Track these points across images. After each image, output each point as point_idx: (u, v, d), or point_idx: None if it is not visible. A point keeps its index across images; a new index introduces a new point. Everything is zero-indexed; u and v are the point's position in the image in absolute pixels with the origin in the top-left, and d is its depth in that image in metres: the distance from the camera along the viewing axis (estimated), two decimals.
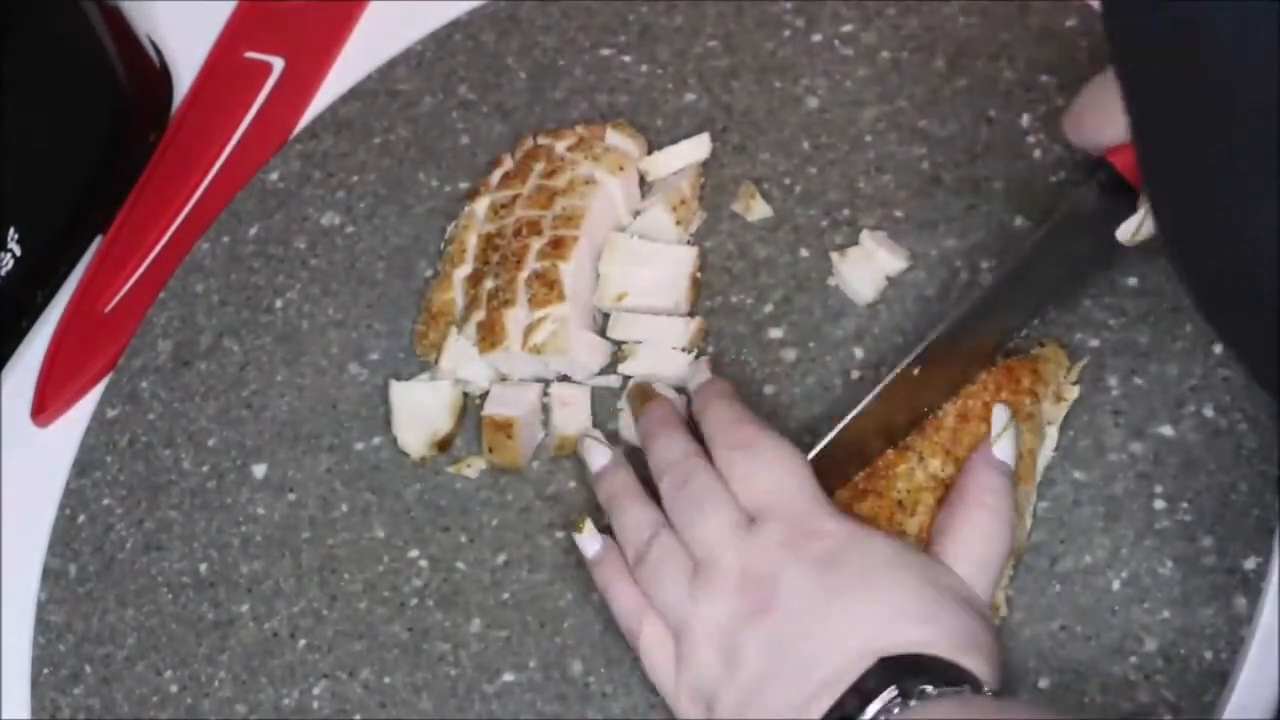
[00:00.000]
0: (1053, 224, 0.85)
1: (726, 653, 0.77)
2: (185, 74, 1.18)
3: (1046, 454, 0.85)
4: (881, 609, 0.75)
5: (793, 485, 0.80)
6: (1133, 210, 0.83)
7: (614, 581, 0.83)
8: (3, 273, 1.03)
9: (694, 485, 0.82)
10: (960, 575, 0.78)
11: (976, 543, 0.79)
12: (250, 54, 1.17)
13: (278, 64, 1.16)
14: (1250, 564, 0.80)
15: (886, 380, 0.84)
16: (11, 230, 1.03)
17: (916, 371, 0.84)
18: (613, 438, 0.93)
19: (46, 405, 1.05)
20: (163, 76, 1.17)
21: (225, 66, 1.18)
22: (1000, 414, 0.83)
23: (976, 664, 0.74)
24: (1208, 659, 0.79)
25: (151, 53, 1.17)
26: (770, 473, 0.81)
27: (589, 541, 0.86)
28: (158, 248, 1.10)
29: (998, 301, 0.86)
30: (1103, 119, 0.82)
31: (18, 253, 1.03)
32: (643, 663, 0.81)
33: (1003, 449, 0.82)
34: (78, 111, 1.09)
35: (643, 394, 0.92)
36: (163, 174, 1.13)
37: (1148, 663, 0.79)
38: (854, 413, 0.84)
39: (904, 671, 0.72)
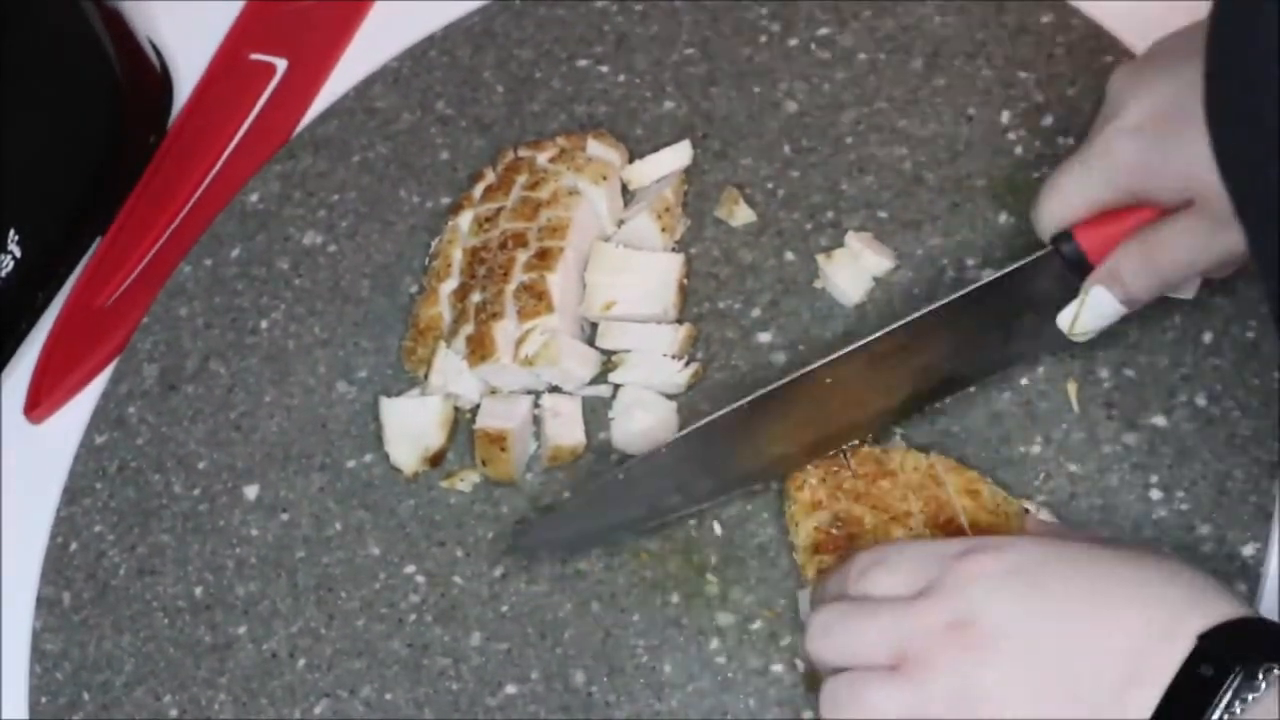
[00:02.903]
0: (1009, 271, 0.85)
1: (970, 705, 0.70)
2: (186, 76, 1.18)
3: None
4: (1140, 585, 0.70)
5: (932, 546, 0.75)
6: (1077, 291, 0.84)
7: None
8: (2, 274, 1.03)
9: (839, 615, 0.75)
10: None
11: None
12: (254, 55, 1.17)
13: (281, 65, 1.16)
14: (1249, 550, 0.81)
15: (855, 346, 0.86)
16: (11, 232, 1.03)
17: (867, 356, 0.86)
18: (605, 447, 0.93)
19: (40, 401, 1.05)
20: (163, 79, 1.18)
21: (229, 67, 1.18)
22: (1022, 505, 0.84)
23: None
24: None
25: (152, 55, 1.17)
26: (908, 557, 0.75)
27: None
28: (157, 246, 1.10)
29: (943, 321, 0.85)
30: (1058, 202, 0.83)
31: (18, 254, 1.03)
32: None
33: (1047, 515, 0.83)
34: (78, 114, 1.09)
35: None
36: (164, 175, 1.13)
37: None
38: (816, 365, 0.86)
39: (1237, 646, 0.67)
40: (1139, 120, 0.80)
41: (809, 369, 0.85)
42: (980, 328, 0.87)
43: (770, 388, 0.86)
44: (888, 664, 0.73)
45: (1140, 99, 0.80)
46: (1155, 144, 0.79)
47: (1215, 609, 0.68)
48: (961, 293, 0.85)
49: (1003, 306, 0.86)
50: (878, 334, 0.85)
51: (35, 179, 1.05)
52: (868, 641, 0.74)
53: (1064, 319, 0.84)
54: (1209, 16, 0.59)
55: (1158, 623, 0.68)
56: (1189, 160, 0.76)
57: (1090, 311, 0.83)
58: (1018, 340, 0.87)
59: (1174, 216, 0.80)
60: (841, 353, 0.85)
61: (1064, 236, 0.83)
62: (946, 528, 0.82)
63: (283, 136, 1.12)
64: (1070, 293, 0.84)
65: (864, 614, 0.74)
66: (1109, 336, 0.87)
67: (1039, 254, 0.85)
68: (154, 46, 1.18)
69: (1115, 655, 0.68)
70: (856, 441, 0.87)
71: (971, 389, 0.88)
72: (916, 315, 0.85)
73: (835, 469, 0.86)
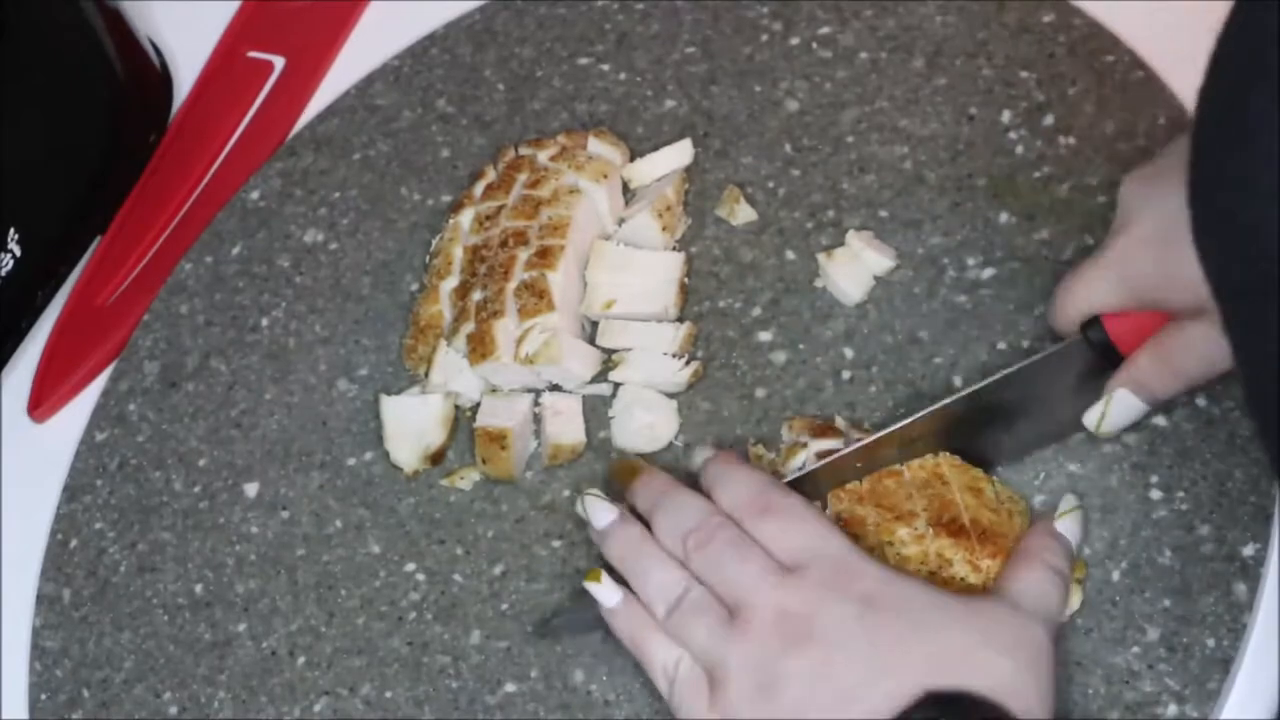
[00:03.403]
0: (1033, 362, 0.85)
1: (763, 685, 0.76)
2: (186, 75, 1.19)
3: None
4: (928, 648, 0.75)
5: (826, 537, 0.80)
6: (1111, 367, 0.83)
7: (643, 632, 0.82)
8: (2, 273, 1.03)
9: (721, 539, 0.81)
10: (1017, 619, 0.77)
11: (1037, 593, 0.79)
12: (252, 53, 1.18)
13: (279, 63, 1.17)
14: (1249, 550, 0.81)
15: (883, 433, 0.84)
16: (11, 231, 1.03)
17: (896, 441, 0.85)
18: (605, 446, 0.93)
19: (43, 400, 1.05)
20: (163, 78, 1.18)
21: (227, 66, 1.18)
22: (1067, 500, 0.83)
23: (1022, 708, 0.73)
24: (1210, 646, 0.79)
25: (152, 54, 1.17)
26: (801, 530, 0.80)
27: (608, 593, 0.83)
28: (157, 245, 1.10)
29: (961, 413, 0.85)
30: (1074, 304, 0.84)
31: (18, 253, 1.03)
32: (676, 706, 0.80)
33: (1066, 525, 0.82)
34: (78, 112, 1.09)
35: (628, 470, 0.90)
36: (164, 172, 1.13)
37: (1150, 652, 0.79)
38: (838, 455, 0.85)
39: (951, 709, 0.73)
40: (1151, 231, 0.80)
41: (840, 454, 0.84)
42: (1005, 414, 0.86)
43: (801, 473, 0.85)
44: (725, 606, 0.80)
45: (1152, 209, 0.81)
46: (1167, 256, 0.79)
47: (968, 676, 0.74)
48: (988, 380, 0.84)
49: (1026, 393, 0.85)
50: (908, 420, 0.84)
51: (35, 178, 1.05)
52: (732, 578, 0.80)
53: (1090, 419, 0.84)
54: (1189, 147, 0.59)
55: (927, 678, 0.74)
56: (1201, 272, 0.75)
57: (1115, 412, 0.83)
58: (1041, 425, 0.86)
59: (1192, 322, 0.80)
60: (871, 439, 0.84)
61: (1093, 323, 0.83)
62: (950, 526, 0.82)
63: (281, 134, 1.12)
64: (1091, 377, 0.84)
65: (740, 557, 0.80)
66: None
67: (1064, 343, 0.84)
68: (154, 46, 1.18)
69: (881, 690, 0.75)
70: (861, 438, 0.87)
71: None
72: (947, 401, 0.84)
73: (839, 467, 0.86)
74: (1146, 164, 0.85)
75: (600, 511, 0.86)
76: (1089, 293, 0.83)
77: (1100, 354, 0.83)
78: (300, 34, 1.17)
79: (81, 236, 1.11)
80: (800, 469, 0.86)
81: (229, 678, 0.91)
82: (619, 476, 0.90)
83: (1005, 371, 0.85)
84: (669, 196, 0.98)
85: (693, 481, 0.86)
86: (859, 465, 0.85)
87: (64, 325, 1.08)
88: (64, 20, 1.06)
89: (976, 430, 0.85)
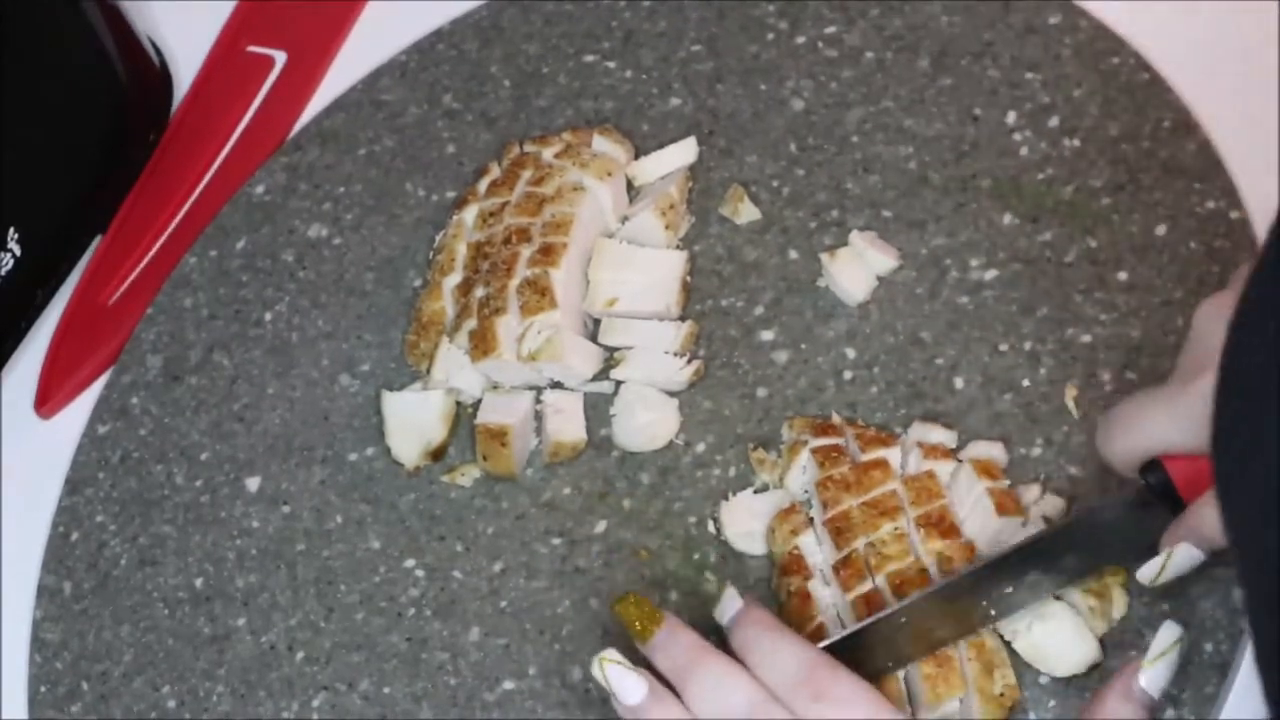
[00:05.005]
0: (1086, 511, 0.82)
1: None
2: (186, 73, 1.18)
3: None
4: None
5: None
6: (1163, 505, 0.78)
7: None
8: (3, 272, 1.03)
9: None
10: None
11: None
12: (252, 48, 1.18)
13: (280, 58, 1.17)
14: None
15: (908, 601, 0.80)
16: (11, 230, 1.03)
17: (943, 595, 0.80)
18: (606, 444, 0.93)
19: (49, 397, 1.06)
20: (163, 76, 1.18)
21: (227, 61, 1.18)
22: (1168, 631, 0.77)
23: None
24: (1208, 651, 0.79)
25: (152, 52, 1.17)
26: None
27: None
28: (159, 243, 1.10)
29: (1018, 564, 0.80)
30: (1146, 432, 0.77)
31: (18, 252, 1.03)
32: None
33: (1152, 677, 0.76)
34: (78, 111, 1.09)
35: (642, 614, 0.79)
36: (164, 171, 1.13)
37: None
38: (876, 617, 0.80)
39: None
40: None
41: (887, 612, 0.80)
42: (1048, 562, 0.81)
43: (846, 633, 0.80)
44: None
45: None
46: None
47: None
48: (1040, 533, 0.82)
49: (1076, 540, 0.81)
50: (960, 574, 0.80)
51: (36, 177, 1.05)
52: None
53: (1146, 575, 0.78)
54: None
55: None
56: None
57: (1175, 566, 0.78)
58: (1083, 564, 0.82)
59: None
60: (913, 598, 0.80)
61: (1153, 466, 0.77)
62: (940, 526, 0.82)
63: (283, 130, 1.12)
64: (1140, 511, 0.79)
65: None
66: (1111, 338, 0.87)
67: (1124, 491, 0.80)
68: (154, 44, 1.17)
69: None
70: (863, 438, 0.87)
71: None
72: (998, 555, 0.81)
73: (835, 453, 0.86)
74: (1225, 292, 0.76)
75: (630, 688, 0.78)
76: (1154, 431, 0.76)
77: (1158, 497, 0.77)
78: (301, 29, 1.17)
79: (82, 236, 1.11)
80: (843, 632, 0.81)
81: (228, 672, 0.91)
82: (630, 620, 0.79)
83: (1056, 526, 0.83)
84: (673, 195, 0.98)
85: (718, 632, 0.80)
86: (903, 620, 0.80)
87: (68, 324, 1.08)
88: (64, 19, 1.06)
89: (1019, 578, 0.81)
